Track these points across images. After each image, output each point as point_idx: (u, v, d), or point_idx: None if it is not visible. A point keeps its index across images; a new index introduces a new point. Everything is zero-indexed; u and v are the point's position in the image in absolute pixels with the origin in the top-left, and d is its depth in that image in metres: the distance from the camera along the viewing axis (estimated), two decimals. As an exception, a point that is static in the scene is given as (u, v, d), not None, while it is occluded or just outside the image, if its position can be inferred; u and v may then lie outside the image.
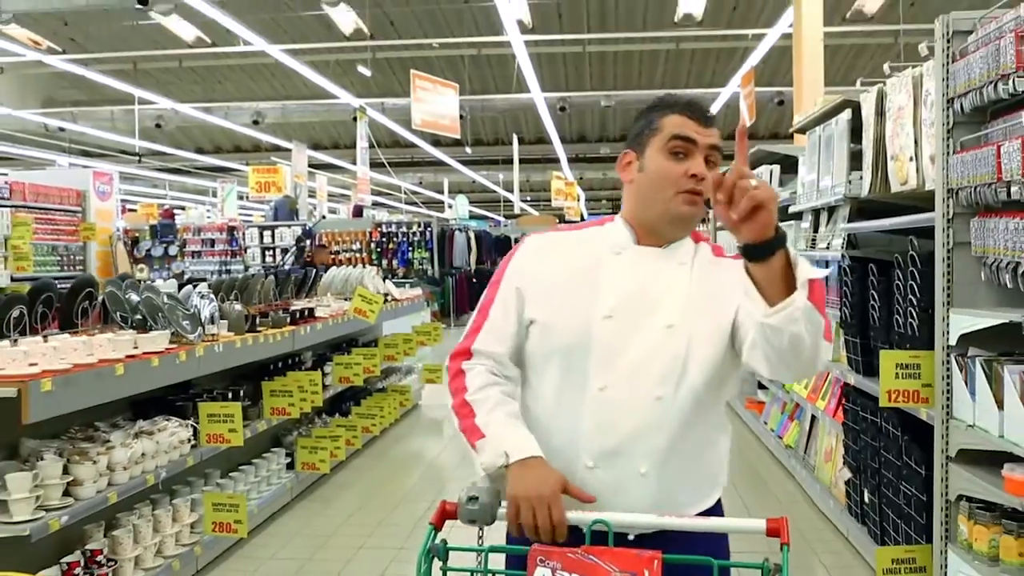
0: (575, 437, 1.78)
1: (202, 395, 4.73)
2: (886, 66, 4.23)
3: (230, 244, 17.68)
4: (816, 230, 5.65)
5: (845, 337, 4.74)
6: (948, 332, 3.30)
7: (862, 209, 4.82)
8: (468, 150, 24.41)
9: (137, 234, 16.77)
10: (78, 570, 3.44)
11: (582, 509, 1.67)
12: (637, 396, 1.76)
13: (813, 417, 5.92)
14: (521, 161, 24.53)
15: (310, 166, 21.13)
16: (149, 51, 16.29)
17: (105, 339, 3.60)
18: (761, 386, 7.74)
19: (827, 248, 5.22)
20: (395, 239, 18.09)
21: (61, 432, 3.81)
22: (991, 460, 3.04)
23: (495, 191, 33.49)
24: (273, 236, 17.69)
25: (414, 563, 4.39)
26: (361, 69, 15.28)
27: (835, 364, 4.92)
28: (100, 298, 4.20)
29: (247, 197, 27.88)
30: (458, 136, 14.43)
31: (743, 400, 7.98)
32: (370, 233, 18.02)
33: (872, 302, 4.29)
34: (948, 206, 3.31)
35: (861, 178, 4.52)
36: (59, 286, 4.32)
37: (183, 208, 28.03)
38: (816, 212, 5.63)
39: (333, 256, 17.20)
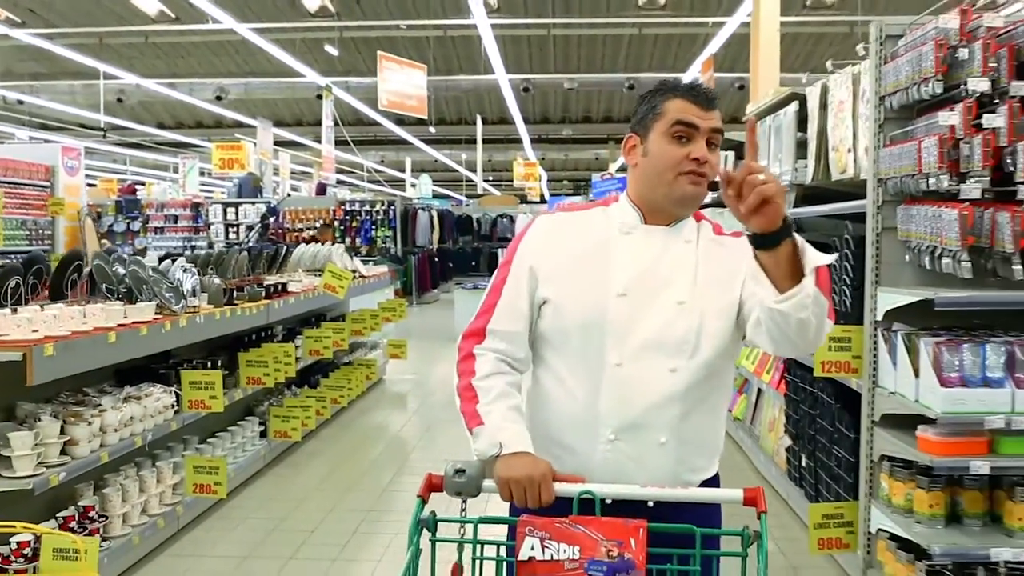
0: (595, 412, 1.85)
1: (182, 364, 4.97)
2: (829, 63, 4.55)
3: (194, 220, 17.73)
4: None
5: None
6: (876, 308, 3.64)
7: (807, 195, 5.14)
8: (432, 129, 24.51)
9: (99, 209, 16.76)
10: (73, 524, 3.68)
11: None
12: (652, 370, 1.84)
13: (759, 390, 6.28)
14: (484, 141, 24.70)
15: (273, 143, 21.19)
16: (116, 27, 16.21)
17: (98, 309, 3.83)
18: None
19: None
20: (358, 217, 18.25)
21: (53, 397, 4.04)
22: (909, 423, 3.39)
23: (457, 170, 33.61)
24: (237, 213, 17.78)
25: (383, 523, 4.73)
26: (329, 49, 15.38)
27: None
28: (88, 270, 4.41)
29: (209, 173, 27.81)
30: (425, 116, 14.60)
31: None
32: (333, 211, 18.16)
33: (813, 282, 4.62)
34: (878, 194, 3.64)
35: (806, 166, 4.83)
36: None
37: (143, 183, 27.87)
38: (787, 216, 5.95)
39: (296, 234, 17.35)
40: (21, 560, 3.37)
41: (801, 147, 5.06)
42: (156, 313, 4.36)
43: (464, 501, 1.73)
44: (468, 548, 1.68)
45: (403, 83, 13.55)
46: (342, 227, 17.97)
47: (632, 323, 1.84)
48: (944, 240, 3.21)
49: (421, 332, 12.38)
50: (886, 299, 3.54)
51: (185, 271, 4.81)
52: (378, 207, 18.31)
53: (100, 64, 16.86)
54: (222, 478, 4.54)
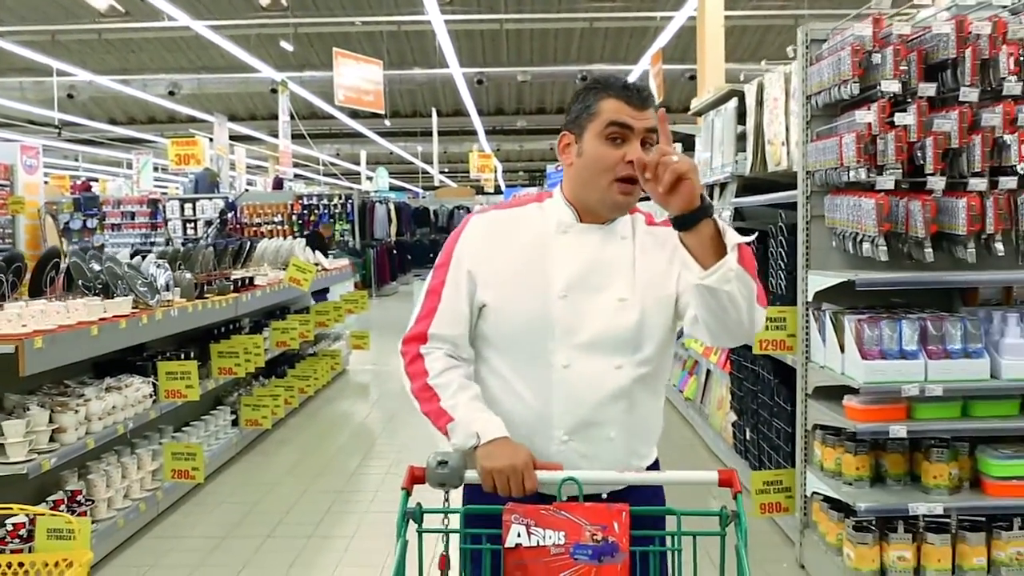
0: (546, 413, 1.87)
1: (156, 356, 5.17)
2: (763, 62, 4.88)
3: (152, 217, 17.72)
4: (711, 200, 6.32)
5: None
6: (807, 290, 3.97)
7: (748, 186, 5.48)
8: (387, 122, 24.63)
9: (55, 207, 16.70)
10: (62, 507, 3.89)
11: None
12: (599, 368, 1.86)
13: (708, 371, 6.62)
14: (439, 133, 24.88)
15: (228, 138, 21.18)
16: (66, 21, 16.12)
17: (81, 304, 4.04)
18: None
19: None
20: (316, 211, 18.36)
21: (36, 389, 4.24)
22: (838, 394, 3.72)
23: (413, 163, 33.73)
24: (195, 208, 17.79)
25: (353, 503, 5.00)
26: (284, 44, 15.47)
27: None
28: (64, 267, 4.60)
29: (163, 169, 27.63)
30: (382, 111, 14.77)
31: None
32: (291, 205, 18.26)
33: (753, 267, 4.97)
34: (807, 185, 3.96)
35: (745, 159, 5.17)
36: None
37: (96, 180, 27.63)
38: (710, 187, 6.29)
39: (254, 229, 17.44)
40: (16, 541, 3.58)
41: (741, 140, 5.39)
42: (133, 307, 4.57)
43: (447, 492, 1.75)
44: (453, 537, 1.73)
45: (359, 79, 13.72)
46: (300, 221, 18.07)
47: (576, 323, 1.86)
48: (864, 227, 3.55)
49: (382, 324, 12.61)
50: (816, 281, 3.87)
51: (158, 267, 5.02)
52: (336, 201, 18.44)
53: (52, 61, 16.76)
54: (199, 463, 4.77)
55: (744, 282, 1.71)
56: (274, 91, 19.10)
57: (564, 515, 1.63)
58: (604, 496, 1.83)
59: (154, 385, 4.78)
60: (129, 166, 27.24)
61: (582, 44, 19.75)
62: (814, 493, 3.96)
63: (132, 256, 5.52)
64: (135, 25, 15.46)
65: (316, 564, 4.27)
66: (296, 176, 29.05)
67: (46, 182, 21.49)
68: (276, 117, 20.22)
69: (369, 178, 30.90)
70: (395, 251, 20.09)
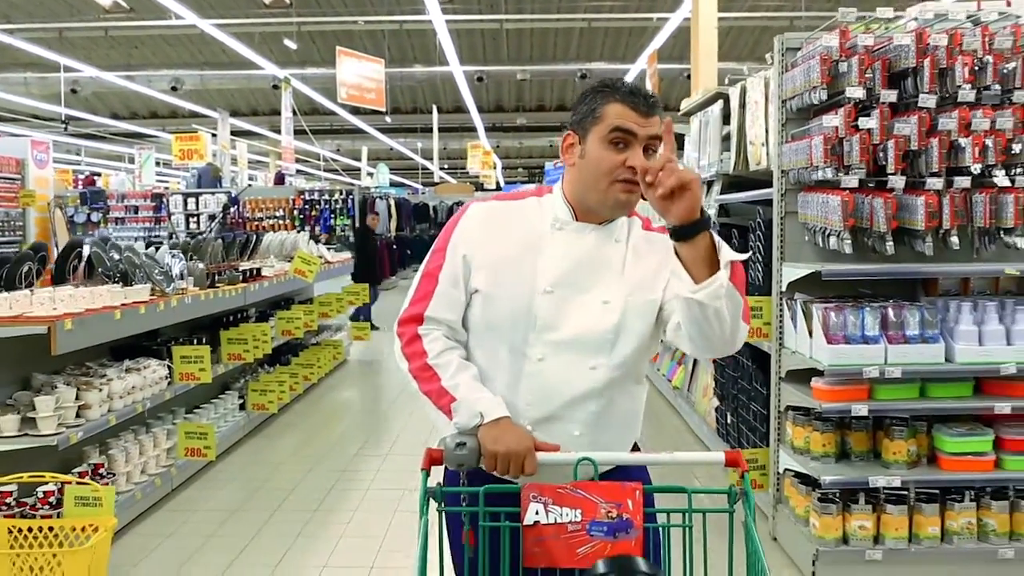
0: (514, 403, 1.89)
1: (169, 342, 5.46)
2: (744, 67, 5.16)
3: (156, 211, 17.99)
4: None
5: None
6: (781, 281, 4.26)
7: (732, 183, 5.76)
8: (387, 118, 24.90)
9: (60, 201, 16.98)
10: (87, 478, 4.18)
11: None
12: (573, 366, 1.89)
13: (695, 361, 6.92)
14: (439, 129, 25.12)
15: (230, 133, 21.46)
16: (72, 17, 16.39)
17: (104, 290, 4.33)
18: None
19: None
20: (317, 206, 18.63)
21: (60, 370, 4.53)
22: (808, 377, 4.01)
23: (413, 159, 33.98)
24: (197, 203, 18.07)
25: (355, 482, 5.31)
26: (287, 43, 15.74)
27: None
28: (87, 256, 4.89)
29: (164, 163, 27.89)
30: (383, 109, 15.05)
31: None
32: (293, 200, 18.52)
33: (735, 260, 5.26)
34: (781, 183, 4.26)
35: (729, 158, 5.45)
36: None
37: (99, 174, 27.89)
38: (704, 209, 6.57)
39: (256, 223, 17.71)
40: (46, 507, 3.88)
41: (726, 140, 5.68)
42: (150, 294, 4.86)
43: (464, 472, 1.80)
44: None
45: (361, 76, 13.99)
46: (301, 216, 18.34)
47: (556, 320, 1.89)
48: (831, 222, 3.84)
49: (381, 316, 12.89)
50: (789, 272, 4.16)
51: (173, 256, 5.31)
52: (337, 196, 18.70)
53: (59, 57, 17.02)
54: (211, 442, 5.06)
55: (733, 299, 1.73)
56: (276, 87, 19.35)
57: (580, 493, 1.68)
58: (578, 478, 1.80)
59: (169, 368, 5.07)
60: (131, 161, 27.50)
61: (581, 43, 20.02)
62: (786, 470, 4.25)
63: (147, 247, 5.81)
64: (142, 23, 15.72)
65: (320, 536, 4.56)
66: (297, 172, 29.35)
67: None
68: (277, 113, 20.46)
69: (370, 174, 31.14)
70: (395, 246, 20.36)
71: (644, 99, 1.86)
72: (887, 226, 3.75)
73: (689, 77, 18.04)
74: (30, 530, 3.75)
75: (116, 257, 4.94)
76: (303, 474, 5.66)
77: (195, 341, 5.53)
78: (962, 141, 3.67)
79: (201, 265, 5.69)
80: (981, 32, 3.70)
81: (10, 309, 3.87)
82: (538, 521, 1.68)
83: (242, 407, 6.50)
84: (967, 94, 3.66)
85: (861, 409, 3.76)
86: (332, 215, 18.58)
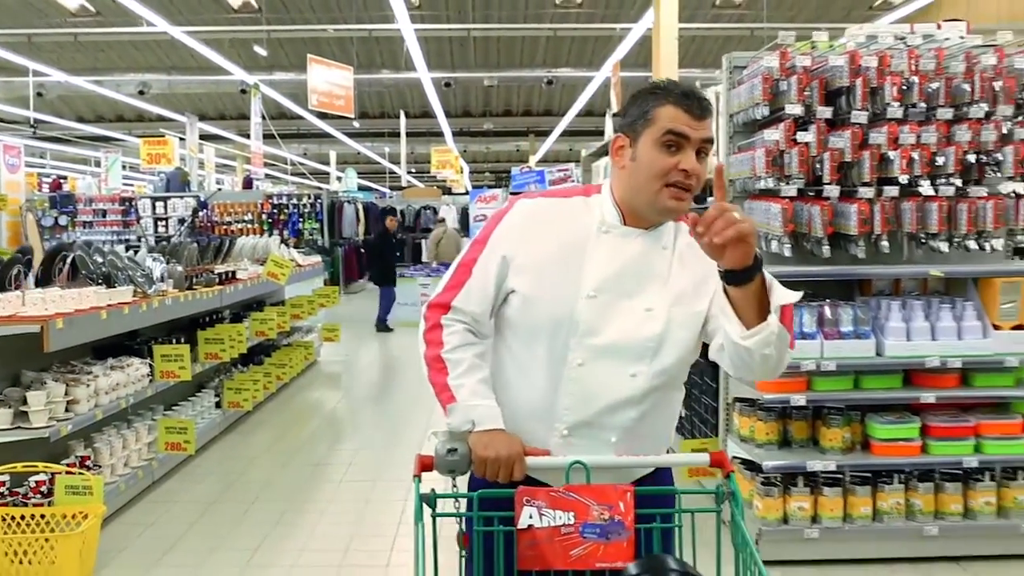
0: (552, 407, 1.90)
1: (148, 342, 5.68)
2: (697, 83, 5.48)
3: (124, 215, 18.06)
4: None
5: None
6: (729, 282, 4.57)
7: (687, 191, 6.09)
8: (355, 123, 25.08)
9: (31, 204, 17.02)
10: (75, 470, 4.40)
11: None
12: (613, 373, 1.87)
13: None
14: (407, 134, 25.33)
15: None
16: (38, 20, 16.41)
17: (91, 291, 4.55)
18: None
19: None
20: (286, 210, 18.80)
21: (47, 367, 4.74)
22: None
23: (380, 163, 34.13)
24: (166, 207, 18.19)
25: (328, 475, 5.58)
26: (258, 50, 15.92)
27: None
28: (70, 259, 5.10)
29: (130, 167, 27.82)
30: (351, 116, 15.28)
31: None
32: (261, 204, 18.67)
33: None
34: (729, 192, 4.58)
35: (683, 167, 5.77)
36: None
37: (65, 178, 27.77)
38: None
39: (225, 227, 17.85)
40: (38, 496, 4.10)
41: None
42: (132, 296, 5.08)
43: (454, 477, 1.82)
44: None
45: (331, 84, 14.22)
46: (270, 220, 18.50)
47: (598, 325, 1.87)
48: (772, 228, 4.17)
49: (350, 319, 13.12)
50: (735, 274, 4.47)
51: (154, 260, 5.54)
52: (305, 200, 18.88)
53: (27, 61, 17.03)
54: (191, 437, 5.29)
55: (783, 341, 1.73)
56: (244, 91, 19.48)
57: (573, 496, 1.71)
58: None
59: (150, 366, 5.29)
60: (97, 164, 27.42)
61: (548, 50, 20.34)
62: (734, 457, 4.57)
63: (126, 251, 6.02)
64: (112, 29, 15.81)
65: (297, 524, 4.81)
66: (265, 176, 29.41)
67: (16, 179, 21.76)
68: (245, 116, 20.54)
69: (338, 178, 31.25)
70: (362, 250, 20.55)
71: (698, 102, 1.84)
72: (824, 231, 4.07)
73: (654, 85, 18.60)
74: (23, 518, 3.98)
75: (100, 260, 5.16)
76: (278, 468, 5.91)
77: (174, 341, 5.75)
78: (891, 154, 4.01)
79: (180, 268, 5.91)
80: (908, 54, 4.05)
81: (3, 310, 4.09)
82: (532, 524, 1.71)
83: (218, 405, 6.72)
84: (895, 111, 4.01)
85: (800, 400, 4.09)
86: (301, 219, 18.76)
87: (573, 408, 1.89)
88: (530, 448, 1.83)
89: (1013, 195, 4.12)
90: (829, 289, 4.48)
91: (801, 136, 4.06)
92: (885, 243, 4.12)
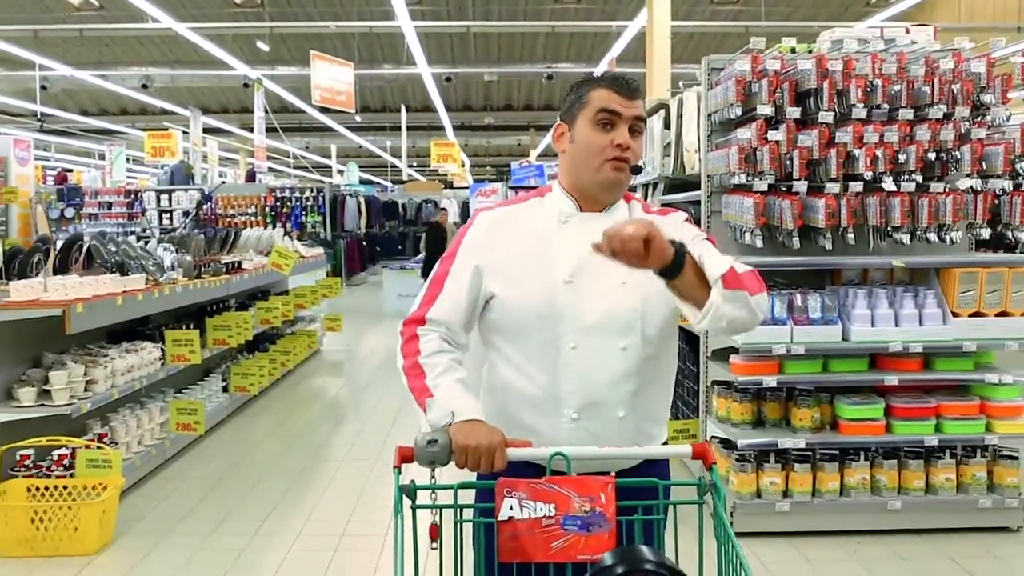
0: (556, 394, 1.95)
1: (159, 328, 5.98)
2: (681, 83, 5.76)
3: (129, 207, 18.36)
4: (646, 199, 7.23)
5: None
6: (708, 272, 4.85)
7: (674, 185, 6.36)
8: (357, 117, 25.36)
9: (40, 197, 17.30)
10: (94, 446, 4.70)
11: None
12: (605, 349, 1.93)
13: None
14: (408, 128, 25.59)
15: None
16: (43, 14, 16.68)
17: (107, 279, 4.85)
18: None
19: (650, 215, 6.82)
20: (289, 203, 19.08)
21: (66, 350, 5.03)
22: (729, 354, 4.61)
23: (382, 157, 34.38)
24: (170, 200, 18.48)
25: (330, 456, 5.90)
26: (260, 45, 16.20)
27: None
28: (86, 248, 5.39)
29: (134, 160, 28.08)
30: (353, 111, 15.55)
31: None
32: (264, 197, 18.96)
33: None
34: (707, 187, 4.86)
35: (669, 162, 6.05)
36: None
37: (71, 170, 28.08)
38: (645, 186, 7.20)
39: (228, 219, 18.14)
40: (60, 469, 4.40)
41: (667, 147, 6.28)
42: (145, 283, 5.38)
43: (434, 469, 1.81)
44: (446, 512, 1.78)
45: (333, 80, 14.50)
46: (273, 213, 18.78)
47: (581, 307, 1.93)
48: (746, 220, 4.45)
49: (352, 310, 13.42)
50: (713, 264, 4.76)
51: (165, 250, 5.83)
52: (308, 193, 19.15)
53: (33, 55, 17.31)
54: (200, 418, 5.59)
55: (738, 300, 1.79)
56: (246, 86, 19.75)
57: (554, 488, 1.70)
58: (613, 474, 1.81)
59: (162, 350, 5.59)
60: (101, 157, 27.71)
61: (548, 46, 20.62)
62: (712, 437, 4.87)
63: (137, 241, 6.31)
64: (117, 25, 16.08)
65: (301, 499, 5.10)
66: (268, 169, 29.68)
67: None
68: (247, 110, 20.80)
69: (340, 172, 31.50)
70: (364, 242, 20.83)
71: (627, 84, 1.96)
72: (793, 224, 4.36)
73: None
74: (47, 489, 4.29)
75: (113, 249, 5.45)
76: (282, 449, 6.21)
77: (183, 327, 6.04)
78: (856, 152, 4.29)
79: (189, 258, 6.20)
80: (871, 59, 4.33)
81: (27, 295, 4.39)
82: (512, 516, 1.70)
83: (225, 389, 7.01)
84: (860, 112, 4.29)
85: (772, 381, 4.37)
86: (303, 212, 19.04)
87: (577, 391, 1.94)
88: (511, 439, 1.83)
89: (971, 191, 4.40)
90: (800, 278, 4.76)
91: (772, 135, 4.34)
92: (851, 235, 4.40)
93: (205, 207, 17.10)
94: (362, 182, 31.55)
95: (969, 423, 4.45)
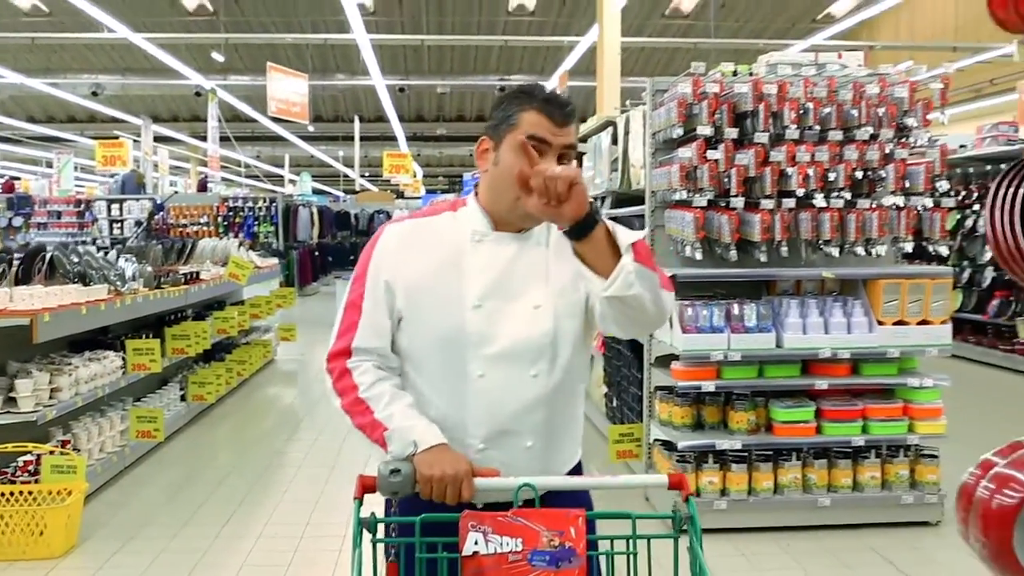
0: (462, 423, 1.86)
1: (119, 337, 6.09)
2: (628, 102, 6.04)
3: (80, 217, 18.20)
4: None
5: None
6: (652, 283, 5.12)
7: (621, 199, 6.64)
8: (310, 127, 25.41)
9: (-17, 205, 17.11)
10: (57, 451, 4.82)
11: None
12: (515, 377, 1.86)
13: (592, 356, 7.79)
14: (361, 138, 25.69)
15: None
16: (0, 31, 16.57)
17: (72, 289, 4.97)
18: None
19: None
20: (241, 213, 19.05)
21: (29, 359, 5.14)
22: (670, 361, 4.87)
23: (334, 167, 34.38)
24: (121, 209, 18.36)
25: (288, 462, 6.06)
26: (216, 56, 16.23)
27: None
28: (48, 258, 5.49)
29: (82, 168, 27.77)
30: (307, 122, 15.66)
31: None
32: (217, 207, 18.91)
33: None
34: (652, 202, 5.13)
35: (616, 177, 6.32)
36: None
37: (18, 178, 27.67)
38: (593, 200, 7.46)
39: (180, 229, 18.08)
40: (25, 475, 4.52)
41: (615, 162, 6.55)
42: (107, 294, 5.50)
43: (396, 500, 1.75)
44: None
45: (289, 91, 14.62)
46: (225, 223, 18.73)
47: (490, 333, 1.86)
48: (687, 234, 4.73)
49: (305, 320, 13.51)
50: (657, 276, 5.03)
51: (126, 260, 5.95)
52: (260, 204, 19.14)
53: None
54: (160, 425, 5.71)
55: (646, 279, 1.74)
56: (198, 94, 19.70)
57: (521, 521, 1.62)
58: (519, 503, 1.70)
59: (123, 359, 5.71)
60: (48, 165, 27.34)
61: (501, 58, 20.91)
62: (655, 440, 5.12)
63: (97, 251, 6.41)
64: (71, 35, 16.01)
65: (261, 503, 5.26)
66: (222, 179, 29.51)
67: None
68: (199, 118, 20.71)
69: (292, 182, 31.43)
70: (317, 253, 20.88)
71: (560, 108, 1.86)
72: (731, 238, 4.64)
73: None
74: (12, 495, 4.40)
75: (75, 260, 5.56)
76: (241, 455, 6.35)
77: (143, 336, 6.16)
78: (789, 170, 4.59)
79: (150, 268, 6.32)
80: (804, 83, 4.63)
81: (-7, 305, 4.51)
82: (477, 551, 1.62)
83: (183, 398, 7.12)
84: (792, 133, 4.59)
85: (710, 386, 4.65)
86: (256, 222, 19.02)
87: (483, 421, 1.87)
88: (479, 468, 1.76)
89: (895, 207, 4.72)
90: (738, 289, 5.03)
91: (711, 154, 4.62)
92: (785, 249, 4.69)
93: (157, 217, 17.04)
94: (315, 192, 31.52)
95: (893, 424, 4.76)
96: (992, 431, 2.99)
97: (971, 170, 11.00)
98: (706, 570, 1.61)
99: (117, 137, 21.70)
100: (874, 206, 4.71)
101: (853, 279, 4.89)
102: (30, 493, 4.42)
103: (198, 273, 7.50)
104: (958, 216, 10.59)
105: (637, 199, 5.95)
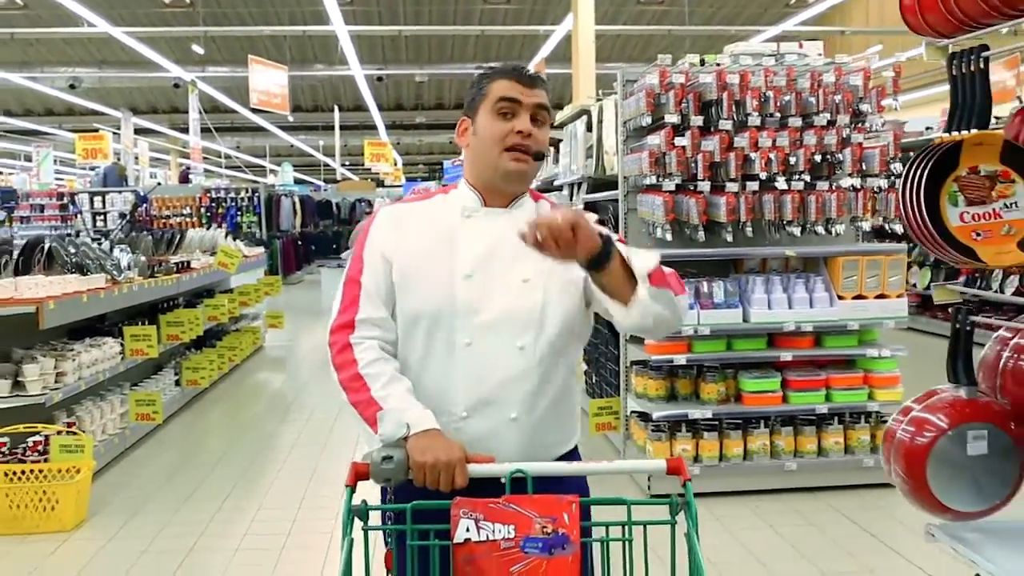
0: (448, 390, 1.89)
1: (116, 325, 6.32)
2: (601, 92, 6.30)
3: (63, 210, 18.30)
4: (571, 199, 7.76)
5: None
6: (626, 264, 5.40)
7: (596, 185, 6.90)
8: (289, 117, 25.50)
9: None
10: (64, 431, 5.05)
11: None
12: (501, 347, 1.88)
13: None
14: (340, 127, 25.80)
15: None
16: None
17: (73, 278, 5.20)
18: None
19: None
20: (224, 204, 19.20)
21: (32, 345, 5.37)
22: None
23: (314, 156, 34.45)
24: (104, 202, 18.46)
25: (280, 445, 6.37)
26: (196, 48, 16.35)
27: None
28: (47, 250, 5.71)
29: (61, 162, 27.76)
30: (287, 113, 15.82)
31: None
32: (199, 198, 19.05)
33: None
34: (624, 187, 5.41)
35: (591, 164, 6.59)
36: None
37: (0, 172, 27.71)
38: (571, 186, 7.74)
39: (163, 221, 18.21)
40: (35, 455, 4.75)
41: (589, 149, 6.82)
42: (105, 283, 5.73)
43: (390, 487, 1.74)
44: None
45: (269, 83, 14.79)
46: (208, 214, 18.89)
47: (479, 303, 1.89)
48: (657, 217, 5.01)
49: (291, 308, 13.75)
50: (630, 257, 5.31)
51: (121, 251, 6.17)
52: (243, 194, 19.29)
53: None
54: (159, 408, 5.96)
55: (663, 299, 1.77)
56: (177, 86, 19.76)
57: (513, 508, 1.60)
58: (503, 481, 1.69)
59: (121, 345, 5.94)
60: (27, 159, 27.33)
61: (478, 46, 21.09)
62: (632, 412, 5.42)
63: (92, 242, 6.64)
64: (50, 29, 16.06)
65: (256, 482, 5.52)
66: (205, 170, 29.54)
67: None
68: (178, 110, 20.76)
69: (274, 172, 31.51)
70: (300, 242, 21.06)
71: (526, 72, 1.96)
72: (699, 219, 4.92)
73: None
74: (23, 473, 4.64)
75: (73, 251, 5.78)
76: (234, 439, 6.60)
77: (138, 323, 6.39)
78: (752, 155, 4.87)
79: (144, 258, 6.55)
80: (764, 73, 4.91)
81: (2, 293, 4.74)
82: (469, 539, 1.59)
83: (177, 383, 7.36)
84: (754, 120, 4.86)
85: (682, 359, 4.94)
86: (239, 212, 19.17)
87: (468, 389, 1.89)
88: (473, 455, 1.76)
89: (852, 189, 5.01)
90: (706, 268, 5.32)
91: (679, 141, 4.90)
92: (750, 229, 4.98)
93: (140, 209, 17.16)
94: (296, 182, 31.61)
95: (854, 393, 5.07)
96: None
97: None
98: (701, 560, 1.59)
99: (97, 130, 21.76)
100: (833, 188, 5.00)
101: (814, 257, 5.19)
102: (40, 471, 4.66)
103: (189, 262, 7.72)
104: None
105: (611, 184, 6.22)
